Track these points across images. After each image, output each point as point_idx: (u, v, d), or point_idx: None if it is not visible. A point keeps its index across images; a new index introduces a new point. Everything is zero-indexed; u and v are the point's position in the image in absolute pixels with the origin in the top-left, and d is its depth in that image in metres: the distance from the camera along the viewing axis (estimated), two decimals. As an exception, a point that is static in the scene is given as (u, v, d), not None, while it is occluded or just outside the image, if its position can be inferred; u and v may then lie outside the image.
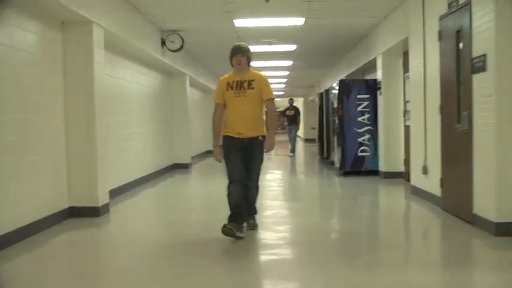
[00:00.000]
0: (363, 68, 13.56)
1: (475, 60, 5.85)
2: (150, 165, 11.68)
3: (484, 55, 5.63)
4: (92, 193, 7.09)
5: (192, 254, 5.14)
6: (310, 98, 30.11)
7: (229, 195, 5.71)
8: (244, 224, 5.85)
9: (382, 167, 11.13)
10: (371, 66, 12.30)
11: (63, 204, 6.92)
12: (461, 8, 6.24)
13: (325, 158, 15.70)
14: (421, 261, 4.98)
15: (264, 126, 5.90)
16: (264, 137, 5.83)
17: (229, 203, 5.71)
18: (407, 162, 9.89)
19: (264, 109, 5.97)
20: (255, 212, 6.14)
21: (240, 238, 5.54)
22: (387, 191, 9.51)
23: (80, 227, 6.62)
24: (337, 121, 12.17)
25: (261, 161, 5.93)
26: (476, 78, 5.85)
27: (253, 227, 6.05)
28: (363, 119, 11.63)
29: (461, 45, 6.33)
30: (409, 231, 6.74)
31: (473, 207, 5.99)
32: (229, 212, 5.69)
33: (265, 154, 5.90)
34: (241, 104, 5.73)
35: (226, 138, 5.83)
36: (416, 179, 8.36)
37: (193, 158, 15.64)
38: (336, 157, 12.64)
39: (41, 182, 6.35)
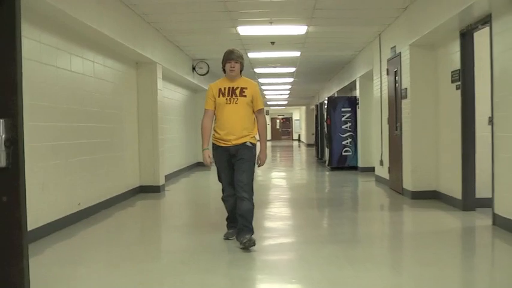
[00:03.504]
0: (350, 86, 17.02)
1: (402, 91, 9.35)
2: (183, 162, 15.21)
3: (406, 88, 9.13)
4: (155, 176, 10.64)
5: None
6: (311, 107, 33.61)
7: (224, 201, 5.99)
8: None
9: (360, 163, 14.61)
10: (354, 85, 15.75)
11: (136, 183, 10.45)
12: (396, 56, 9.74)
13: (319, 158, 19.27)
14: (361, 209, 8.73)
15: (255, 133, 5.76)
16: (252, 144, 5.67)
17: (226, 207, 6.02)
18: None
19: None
20: (251, 232, 5.59)
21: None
22: (360, 180, 12.96)
23: (148, 198, 10.10)
24: (326, 129, 15.69)
25: (252, 170, 5.68)
26: (403, 102, 9.35)
27: (250, 245, 5.43)
28: (346, 127, 15.13)
29: (397, 80, 9.80)
30: (362, 197, 10.42)
31: (403, 183, 9.46)
32: (227, 214, 6.08)
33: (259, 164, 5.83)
34: (232, 111, 5.60)
35: (215, 147, 5.76)
36: (377, 169, 11.88)
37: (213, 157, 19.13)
38: (326, 156, 16.18)
39: (123, 169, 9.81)
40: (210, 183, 13.77)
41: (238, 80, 5.74)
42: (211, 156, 5.72)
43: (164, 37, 11.17)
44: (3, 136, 2.57)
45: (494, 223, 6.48)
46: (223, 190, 5.90)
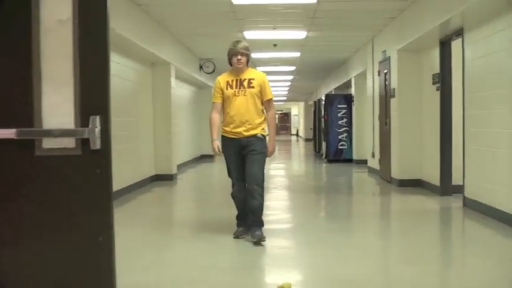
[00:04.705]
0: (346, 84, 18.15)
1: (391, 91, 10.50)
2: (189, 154, 16.37)
3: (394, 88, 10.29)
4: (168, 166, 11.82)
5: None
6: (309, 103, 34.74)
7: (233, 197, 5.83)
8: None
9: (355, 156, 15.78)
10: (350, 83, 16.89)
11: (152, 172, 11.60)
12: (386, 59, 10.89)
13: (317, 151, 20.45)
14: (354, 193, 9.85)
15: (264, 125, 5.69)
16: (263, 135, 5.63)
17: (236, 205, 5.87)
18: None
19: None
20: (262, 224, 5.66)
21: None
22: (354, 171, 14.12)
23: (163, 185, 11.25)
24: (323, 124, 16.86)
25: (264, 162, 5.64)
26: (392, 100, 10.51)
27: (261, 238, 5.47)
28: (342, 122, 16.29)
29: (387, 80, 10.95)
30: (355, 185, 11.68)
31: (391, 173, 10.62)
32: (237, 212, 5.92)
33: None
34: (240, 103, 5.53)
35: (224, 139, 5.68)
36: (370, 161, 13.05)
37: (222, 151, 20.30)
38: (323, 149, 17.36)
39: (141, 159, 10.95)
40: (215, 173, 14.97)
41: (246, 71, 5.66)
42: (220, 146, 5.65)
43: (176, 39, 12.30)
44: (99, 128, 3.72)
45: (464, 205, 7.64)
46: (233, 185, 5.78)
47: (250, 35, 11.63)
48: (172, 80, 11.95)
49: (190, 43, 13.16)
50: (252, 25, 10.80)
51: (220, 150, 5.65)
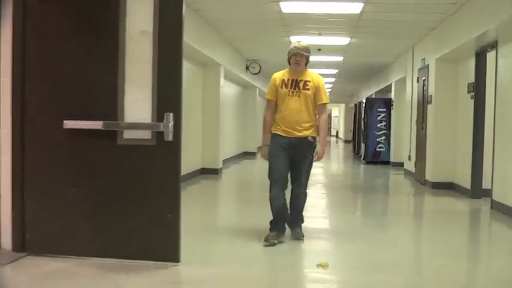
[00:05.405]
0: (386, 88, 18.65)
1: (428, 97, 11.04)
2: (233, 150, 17.15)
3: (431, 95, 10.82)
4: (215, 160, 12.60)
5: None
6: (350, 105, 35.19)
7: (271, 200, 5.58)
8: (287, 230, 5.74)
9: (392, 158, 16.30)
10: (390, 88, 17.40)
11: (199, 166, 12.39)
12: (425, 67, 11.42)
13: (356, 153, 21.02)
14: (389, 193, 10.48)
15: (315, 127, 5.59)
16: (314, 138, 5.59)
17: (272, 209, 5.60)
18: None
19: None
20: (302, 220, 5.82)
21: (281, 243, 5.52)
22: (390, 172, 14.65)
23: (209, 178, 12.02)
24: (363, 126, 17.44)
25: (310, 165, 5.64)
26: (429, 106, 11.04)
27: (300, 236, 5.67)
28: (381, 126, 16.84)
29: (425, 87, 11.48)
30: (391, 185, 12.31)
31: (425, 175, 11.16)
32: (272, 218, 5.63)
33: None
34: (294, 103, 5.50)
35: (274, 136, 5.60)
36: (406, 164, 13.58)
37: (258, 148, 21.05)
38: (362, 151, 17.95)
39: (191, 153, 11.72)
40: (257, 169, 15.68)
41: (303, 73, 5.61)
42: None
43: (227, 42, 13.06)
44: (172, 123, 4.46)
45: (492, 207, 8.15)
46: (271, 186, 5.59)
47: (296, 39, 12.26)
48: (221, 80, 12.72)
49: (239, 45, 13.91)
50: (299, 31, 11.47)
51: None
